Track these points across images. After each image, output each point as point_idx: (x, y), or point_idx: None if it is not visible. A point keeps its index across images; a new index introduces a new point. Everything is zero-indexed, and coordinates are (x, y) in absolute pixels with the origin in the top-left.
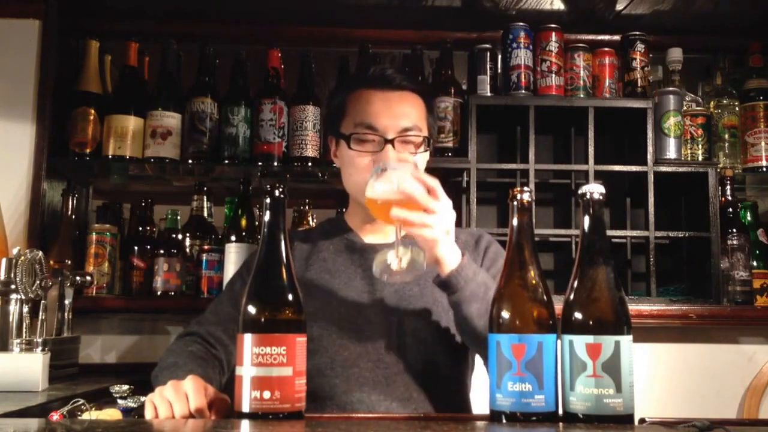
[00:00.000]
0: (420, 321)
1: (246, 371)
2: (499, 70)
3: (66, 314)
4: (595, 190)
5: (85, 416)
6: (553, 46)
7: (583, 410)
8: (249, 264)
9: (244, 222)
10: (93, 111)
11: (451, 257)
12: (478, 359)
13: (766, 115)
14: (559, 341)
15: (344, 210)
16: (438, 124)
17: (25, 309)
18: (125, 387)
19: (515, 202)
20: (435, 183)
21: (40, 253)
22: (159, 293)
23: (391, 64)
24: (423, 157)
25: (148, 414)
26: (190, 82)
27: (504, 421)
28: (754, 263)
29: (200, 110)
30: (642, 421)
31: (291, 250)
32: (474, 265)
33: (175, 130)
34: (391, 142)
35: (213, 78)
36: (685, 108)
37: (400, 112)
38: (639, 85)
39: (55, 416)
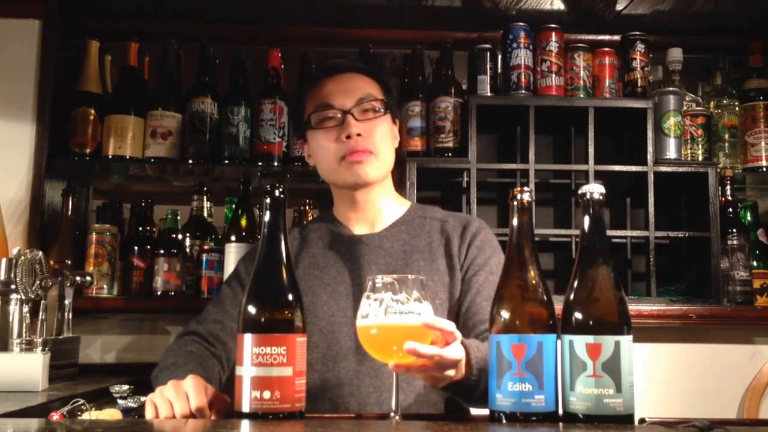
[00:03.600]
0: None
1: (246, 371)
2: (499, 70)
3: (66, 314)
4: (595, 190)
5: (85, 416)
6: (553, 46)
7: (583, 410)
8: (246, 261)
9: (244, 222)
10: (93, 111)
11: (461, 367)
12: None
13: (766, 115)
14: (559, 341)
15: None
16: (438, 123)
17: (25, 309)
18: (125, 387)
19: (515, 202)
20: (451, 327)
21: (40, 253)
22: (159, 293)
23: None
24: (384, 120)
25: (149, 414)
26: (190, 82)
27: (504, 421)
28: (754, 263)
29: (200, 110)
30: (642, 421)
31: None
32: (472, 343)
33: (175, 130)
34: (350, 112)
35: (213, 78)
36: (685, 108)
37: (353, 86)
38: (639, 85)
39: (55, 416)
